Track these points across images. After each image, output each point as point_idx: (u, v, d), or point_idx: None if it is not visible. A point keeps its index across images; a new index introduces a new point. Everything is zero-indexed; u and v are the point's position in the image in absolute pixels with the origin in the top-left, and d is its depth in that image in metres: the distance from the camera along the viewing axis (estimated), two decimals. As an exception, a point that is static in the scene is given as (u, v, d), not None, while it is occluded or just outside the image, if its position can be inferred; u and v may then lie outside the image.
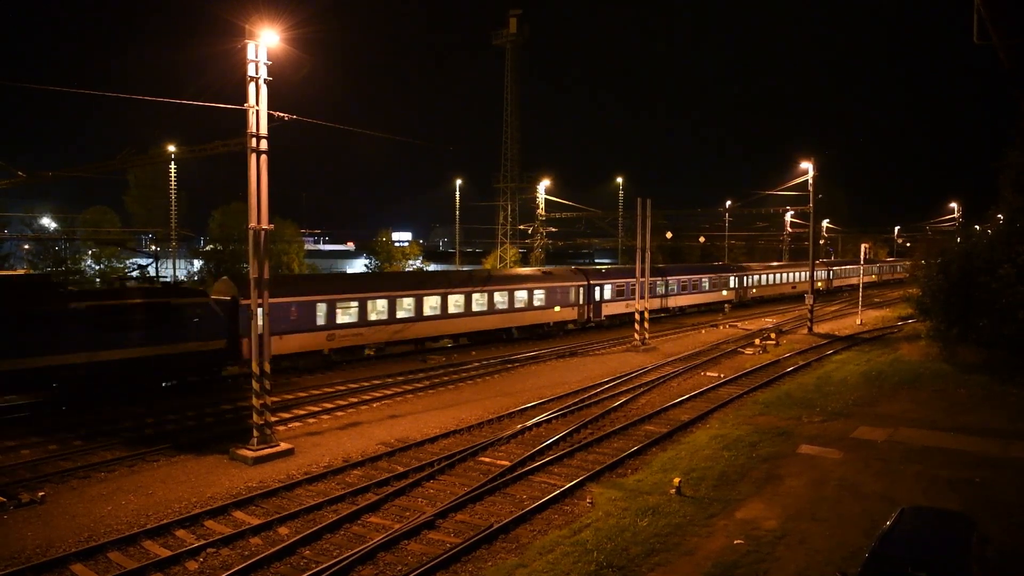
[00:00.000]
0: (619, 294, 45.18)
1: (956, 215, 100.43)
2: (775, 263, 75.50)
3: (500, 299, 37.52)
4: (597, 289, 43.81)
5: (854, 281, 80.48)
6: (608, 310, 44.74)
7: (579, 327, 43.57)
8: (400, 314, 32.81)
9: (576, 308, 42.31)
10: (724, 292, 56.93)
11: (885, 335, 41.60)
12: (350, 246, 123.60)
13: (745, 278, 60.59)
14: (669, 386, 27.30)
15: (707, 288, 55.28)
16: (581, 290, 42.63)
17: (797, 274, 70.68)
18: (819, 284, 71.86)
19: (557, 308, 40.76)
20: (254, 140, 17.96)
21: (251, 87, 17.88)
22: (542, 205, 68.80)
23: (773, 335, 40.40)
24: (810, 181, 45.12)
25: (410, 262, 70.89)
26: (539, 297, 39.83)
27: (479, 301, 36.54)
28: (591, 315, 43.42)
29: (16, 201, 61.07)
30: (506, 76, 71.19)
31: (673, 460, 17.65)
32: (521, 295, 38.76)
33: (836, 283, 79.70)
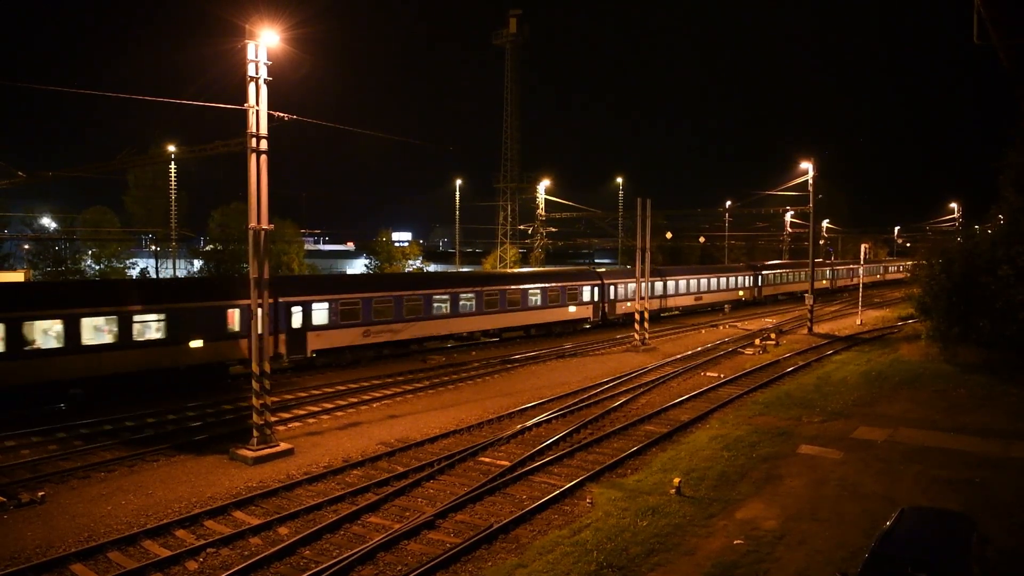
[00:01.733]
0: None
1: (956, 215, 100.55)
2: (680, 267, 59.84)
3: None
4: None
5: (793, 288, 66.70)
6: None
7: None
8: None
9: None
10: (572, 308, 41.80)
11: (885, 335, 41.60)
12: (350, 246, 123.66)
13: (612, 288, 44.98)
14: (669, 386, 27.29)
15: (538, 304, 39.65)
16: None
17: (706, 281, 54.35)
18: (741, 293, 59.28)
19: None
20: (254, 140, 17.97)
21: (251, 87, 17.88)
22: (542, 205, 68.88)
23: (773, 335, 40.42)
24: (810, 181, 45.15)
25: (410, 262, 70.98)
26: None
27: None
28: None
29: (16, 201, 61.15)
30: (506, 76, 71.40)
31: (673, 460, 17.64)
32: None
33: (769, 291, 63.48)
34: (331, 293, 30.54)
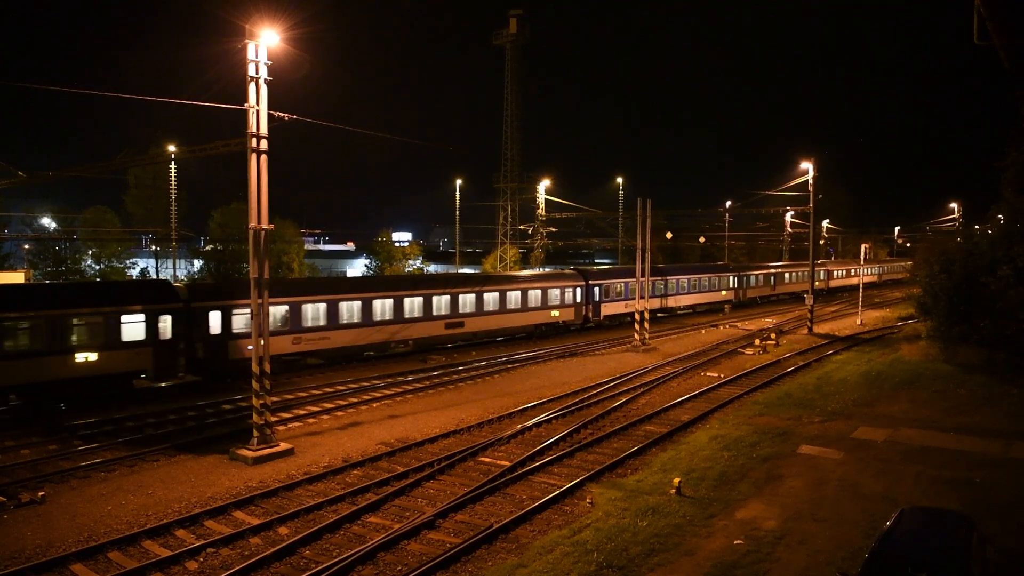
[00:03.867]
0: None
1: (956, 215, 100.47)
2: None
3: None
4: None
5: (691, 300, 52.02)
6: None
7: None
8: None
9: None
10: (83, 357, 22.76)
11: (885, 335, 41.57)
12: (350, 246, 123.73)
13: (218, 316, 26.34)
14: (669, 386, 27.29)
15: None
16: None
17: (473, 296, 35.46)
18: (555, 313, 39.23)
19: None
20: (254, 140, 17.97)
21: (251, 87, 17.89)
22: (542, 205, 68.73)
23: (773, 335, 40.40)
24: (810, 181, 45.11)
25: (410, 262, 70.95)
26: None
27: None
28: None
29: (16, 201, 61.14)
30: (506, 76, 71.27)
31: (673, 460, 17.64)
32: None
33: (609, 310, 44.67)
34: None
